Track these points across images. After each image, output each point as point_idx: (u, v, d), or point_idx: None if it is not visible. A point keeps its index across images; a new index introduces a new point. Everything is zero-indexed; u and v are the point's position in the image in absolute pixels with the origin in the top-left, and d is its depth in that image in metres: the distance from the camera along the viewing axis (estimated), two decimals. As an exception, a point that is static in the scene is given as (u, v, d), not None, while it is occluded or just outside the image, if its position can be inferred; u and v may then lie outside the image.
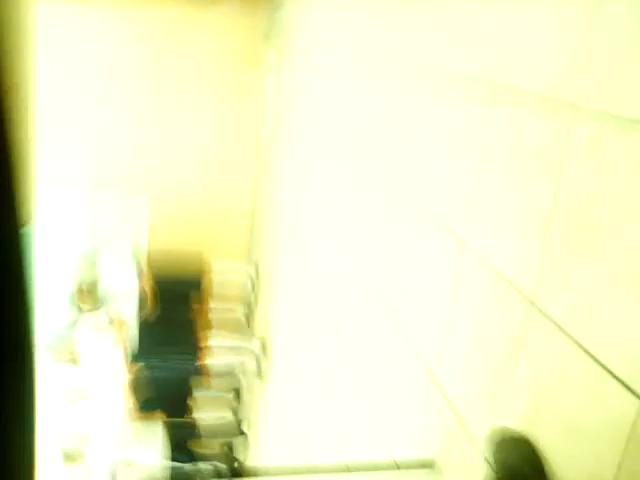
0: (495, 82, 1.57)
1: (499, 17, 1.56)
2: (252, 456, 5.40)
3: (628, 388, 1.05)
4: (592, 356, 1.13)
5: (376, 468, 1.90)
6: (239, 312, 5.95)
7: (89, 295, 5.33)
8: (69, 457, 5.08)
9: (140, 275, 5.34)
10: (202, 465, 5.40)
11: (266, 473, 1.90)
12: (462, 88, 1.76)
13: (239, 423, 5.61)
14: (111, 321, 5.05)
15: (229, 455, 5.93)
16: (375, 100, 2.63)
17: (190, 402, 5.74)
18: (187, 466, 5.31)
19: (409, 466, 1.84)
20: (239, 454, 5.85)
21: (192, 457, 5.41)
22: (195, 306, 5.72)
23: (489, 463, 1.37)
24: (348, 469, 1.80)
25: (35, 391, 0.45)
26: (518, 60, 1.46)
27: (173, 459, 5.14)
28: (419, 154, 2.06)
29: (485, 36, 1.63)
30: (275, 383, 4.53)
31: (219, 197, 5.90)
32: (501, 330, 1.47)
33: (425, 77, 2.07)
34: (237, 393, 6.02)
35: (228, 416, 5.97)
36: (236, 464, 5.63)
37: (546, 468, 1.24)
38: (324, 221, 3.33)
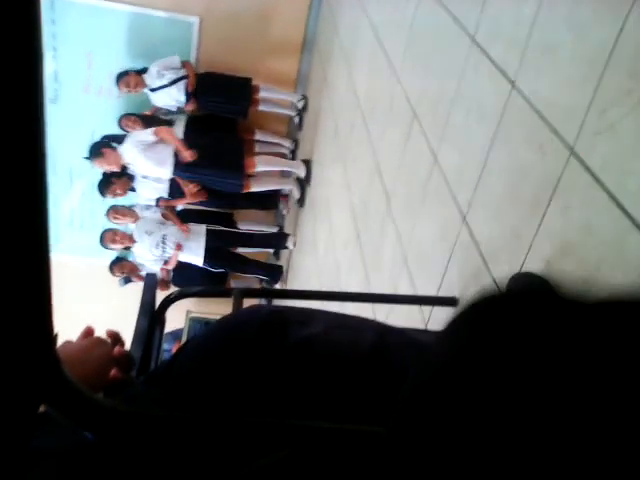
0: None
1: None
2: (288, 282, 5.67)
3: (654, 244, 1.05)
4: (624, 210, 1.12)
5: (400, 301, 1.99)
6: (285, 147, 5.94)
7: (136, 119, 5.33)
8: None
9: (188, 95, 5.28)
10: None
11: (295, 295, 2.00)
12: None
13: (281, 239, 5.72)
14: (157, 138, 5.03)
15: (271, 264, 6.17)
16: None
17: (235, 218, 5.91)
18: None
19: (432, 302, 1.92)
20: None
21: (235, 264, 5.67)
22: (242, 136, 5.72)
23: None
24: (372, 298, 1.90)
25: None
26: None
27: (214, 264, 5.38)
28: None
29: None
30: (312, 214, 4.64)
31: (271, 22, 5.65)
32: (537, 176, 1.45)
33: None
34: (280, 227, 6.18)
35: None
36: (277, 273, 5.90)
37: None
38: (375, 51, 3.20)
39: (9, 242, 0.41)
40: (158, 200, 5.41)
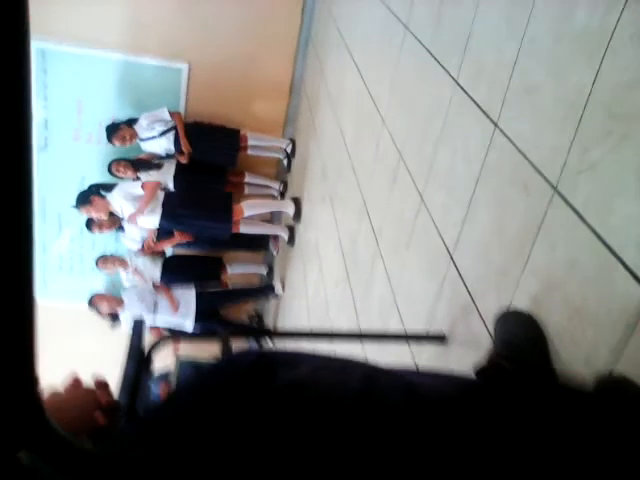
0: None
1: None
2: (277, 322, 5.64)
3: (638, 280, 1.06)
4: (608, 246, 1.14)
5: (389, 339, 1.99)
6: (274, 189, 6.00)
7: (126, 163, 5.35)
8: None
9: (177, 143, 5.33)
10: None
11: (284, 335, 2.00)
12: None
13: (268, 290, 5.75)
14: (146, 187, 5.08)
15: (257, 320, 6.21)
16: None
17: (222, 274, 5.94)
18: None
19: (421, 339, 1.92)
20: (266, 320, 6.11)
21: (223, 324, 5.67)
22: (231, 179, 5.77)
23: (495, 341, 1.43)
24: (361, 336, 1.90)
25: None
26: None
27: (204, 326, 5.40)
28: (463, 28, 1.98)
29: None
30: (302, 254, 4.66)
31: (259, 67, 5.74)
32: (522, 215, 1.47)
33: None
34: (269, 267, 6.19)
35: (257, 283, 6.18)
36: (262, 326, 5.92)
37: (549, 349, 1.29)
38: (361, 94, 3.27)
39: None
40: (144, 242, 5.43)
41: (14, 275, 0.43)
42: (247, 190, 5.86)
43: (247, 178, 5.87)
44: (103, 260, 5.55)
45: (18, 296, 0.44)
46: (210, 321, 5.43)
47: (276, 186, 5.97)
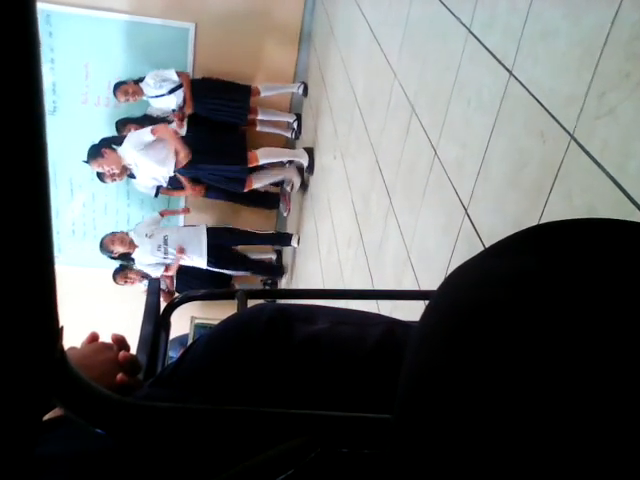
0: None
1: None
2: (292, 285, 5.66)
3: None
4: (626, 193, 1.11)
5: (404, 297, 1.98)
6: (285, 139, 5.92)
7: (136, 125, 5.28)
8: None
9: (185, 100, 5.26)
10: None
11: (299, 295, 1.99)
12: None
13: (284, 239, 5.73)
14: (155, 138, 5.02)
15: (277, 257, 6.18)
16: None
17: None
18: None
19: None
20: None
21: (238, 260, 5.69)
22: (242, 129, 5.66)
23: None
24: (377, 296, 1.89)
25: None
26: None
27: (217, 264, 5.41)
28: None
29: None
30: (314, 215, 4.64)
31: (266, 22, 5.61)
32: (538, 164, 1.44)
33: None
34: (279, 252, 6.17)
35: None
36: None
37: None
38: (371, 46, 3.20)
39: (13, 238, 0.41)
40: (158, 189, 5.39)
41: (31, 223, 0.42)
42: (259, 127, 5.72)
43: (260, 115, 5.69)
44: (112, 235, 5.47)
45: (38, 248, 0.43)
46: (224, 258, 5.44)
47: (290, 119, 5.81)
